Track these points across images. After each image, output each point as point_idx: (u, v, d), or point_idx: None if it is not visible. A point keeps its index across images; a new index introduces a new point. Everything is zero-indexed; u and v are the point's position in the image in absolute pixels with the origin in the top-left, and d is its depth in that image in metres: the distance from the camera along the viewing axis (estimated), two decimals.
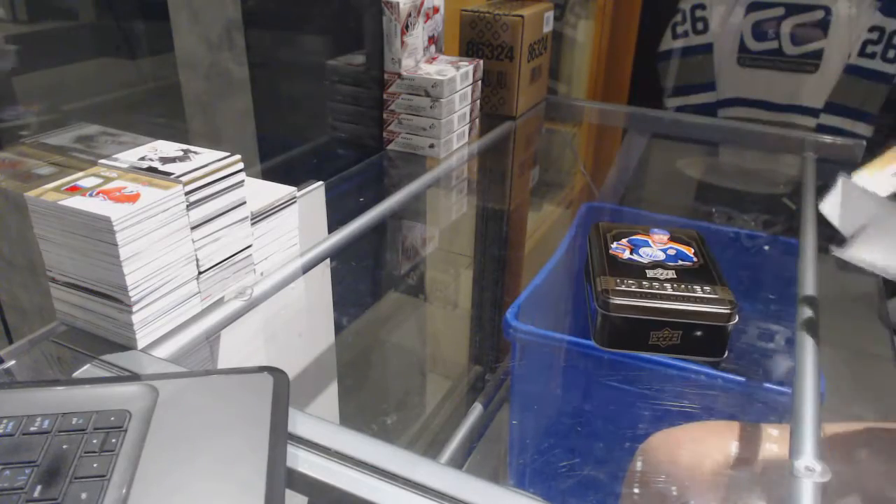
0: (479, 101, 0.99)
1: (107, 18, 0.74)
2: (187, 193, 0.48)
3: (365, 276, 0.92)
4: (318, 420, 0.42)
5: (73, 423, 0.38)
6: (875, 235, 0.50)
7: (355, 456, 0.39)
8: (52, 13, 0.69)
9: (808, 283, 0.63)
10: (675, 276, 0.61)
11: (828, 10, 1.69)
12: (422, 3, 0.89)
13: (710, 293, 0.59)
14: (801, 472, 0.41)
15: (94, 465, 0.35)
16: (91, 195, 0.46)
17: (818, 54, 1.73)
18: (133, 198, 0.46)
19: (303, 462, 0.39)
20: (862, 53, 1.68)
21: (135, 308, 0.47)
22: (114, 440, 0.37)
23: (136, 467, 0.35)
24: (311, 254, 0.64)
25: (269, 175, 0.62)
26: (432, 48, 0.95)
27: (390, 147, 0.93)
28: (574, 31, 1.85)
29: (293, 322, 0.67)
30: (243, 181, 0.53)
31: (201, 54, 0.80)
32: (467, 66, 0.92)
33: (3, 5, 0.64)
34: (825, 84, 1.74)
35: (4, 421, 0.38)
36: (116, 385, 0.42)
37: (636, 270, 0.62)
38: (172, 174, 0.49)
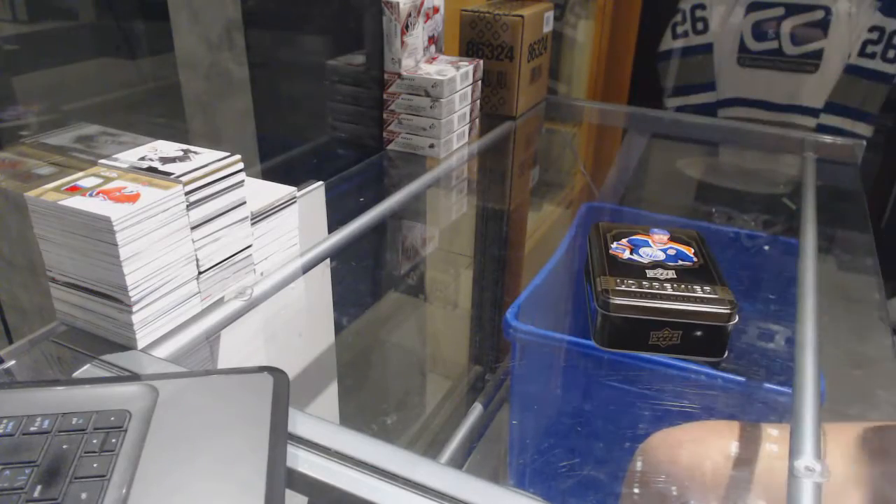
0: (479, 101, 0.99)
1: (107, 18, 0.74)
2: (187, 193, 0.48)
3: (365, 276, 0.92)
4: (318, 420, 0.42)
5: (73, 423, 0.38)
6: None
7: (355, 456, 0.39)
8: (52, 13, 0.69)
9: (808, 283, 0.63)
10: (675, 276, 0.61)
11: (828, 10, 1.69)
12: (422, 3, 0.89)
13: (710, 293, 0.59)
14: (801, 472, 0.41)
15: (94, 465, 0.35)
16: (91, 195, 0.46)
17: (818, 54, 1.73)
18: (133, 198, 0.46)
19: (303, 462, 0.39)
20: (862, 53, 1.68)
21: (135, 308, 0.47)
22: (114, 440, 0.37)
23: (136, 467, 0.35)
24: (311, 254, 0.64)
25: (269, 175, 0.62)
26: (432, 48, 0.95)
27: (390, 147, 0.93)
28: (574, 31, 1.85)
29: (293, 322, 0.67)
30: (243, 181, 0.53)
31: (201, 54, 0.80)
32: (467, 66, 0.92)
33: (3, 5, 0.64)
34: (825, 84, 1.74)
35: (4, 421, 0.38)
36: (116, 385, 0.42)
37: (636, 270, 0.62)
38: (172, 174, 0.49)
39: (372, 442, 0.40)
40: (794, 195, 0.95)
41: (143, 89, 0.79)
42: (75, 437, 0.37)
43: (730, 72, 1.83)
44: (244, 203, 0.54)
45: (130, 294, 0.46)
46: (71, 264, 0.47)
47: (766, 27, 1.76)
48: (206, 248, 0.51)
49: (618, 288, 0.59)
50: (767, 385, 0.64)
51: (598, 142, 1.43)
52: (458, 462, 0.88)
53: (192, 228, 0.50)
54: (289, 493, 0.37)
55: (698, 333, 0.58)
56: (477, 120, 1.00)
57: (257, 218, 0.57)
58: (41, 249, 0.48)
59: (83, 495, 0.34)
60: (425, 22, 0.91)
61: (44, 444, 0.36)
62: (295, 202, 0.61)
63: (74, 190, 0.46)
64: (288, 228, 0.61)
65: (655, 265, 0.63)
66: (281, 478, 0.36)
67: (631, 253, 0.65)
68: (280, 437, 0.38)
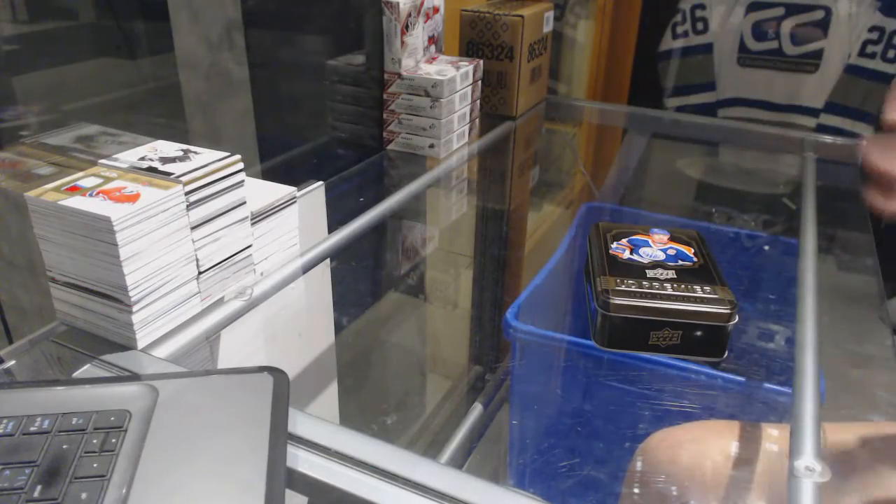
0: (479, 101, 0.99)
1: (107, 18, 0.74)
2: (187, 193, 0.48)
3: (365, 276, 0.92)
4: (318, 420, 0.42)
5: (73, 423, 0.38)
6: None
7: (355, 456, 0.39)
8: (52, 13, 0.69)
9: (808, 283, 0.63)
10: (675, 276, 0.61)
11: (828, 10, 1.69)
12: (422, 3, 0.89)
13: (710, 293, 0.59)
14: (801, 472, 0.41)
15: (94, 465, 0.35)
16: (91, 195, 0.46)
17: (818, 54, 1.73)
18: (133, 198, 0.46)
19: (303, 462, 0.39)
20: (862, 53, 1.68)
21: (135, 308, 0.47)
22: (114, 440, 0.37)
23: (136, 467, 0.35)
24: (311, 254, 0.64)
25: (270, 175, 0.62)
26: (432, 48, 0.95)
27: (390, 147, 0.93)
28: (574, 31, 1.85)
29: (293, 322, 0.67)
30: (243, 181, 0.53)
31: (201, 54, 0.80)
32: (467, 66, 0.92)
33: (3, 5, 0.64)
34: (825, 84, 1.74)
35: (4, 421, 0.38)
36: (116, 385, 0.42)
37: (636, 270, 0.62)
38: (172, 174, 0.49)
39: (372, 442, 0.40)
40: (794, 195, 0.95)
41: (143, 89, 0.79)
42: (75, 437, 0.37)
43: (730, 72, 1.83)
44: (244, 203, 0.54)
45: (130, 294, 0.46)
46: (71, 264, 0.47)
47: (766, 27, 1.76)
48: (206, 248, 0.51)
49: (618, 288, 0.59)
50: (767, 385, 0.64)
51: (598, 142, 1.43)
52: (458, 462, 0.88)
53: (192, 228, 0.50)
54: (289, 493, 0.37)
55: (698, 333, 0.58)
56: (477, 120, 1.00)
57: (257, 218, 0.57)
58: (41, 249, 0.48)
59: (83, 495, 0.34)
60: (425, 22, 0.91)
61: (44, 444, 0.36)
62: (295, 202, 0.61)
63: (74, 190, 0.46)
64: (288, 228, 0.61)
65: (655, 265, 0.63)
66: (281, 478, 0.36)
67: (631, 253, 0.66)
68: (280, 437, 0.38)
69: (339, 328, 0.77)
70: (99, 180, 0.48)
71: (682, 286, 0.60)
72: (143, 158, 0.51)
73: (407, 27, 0.87)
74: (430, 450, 0.97)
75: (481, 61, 0.97)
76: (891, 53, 1.65)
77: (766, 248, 0.90)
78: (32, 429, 0.37)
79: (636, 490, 0.60)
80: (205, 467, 0.36)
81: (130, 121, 0.75)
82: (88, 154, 0.61)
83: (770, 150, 1.17)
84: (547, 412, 0.80)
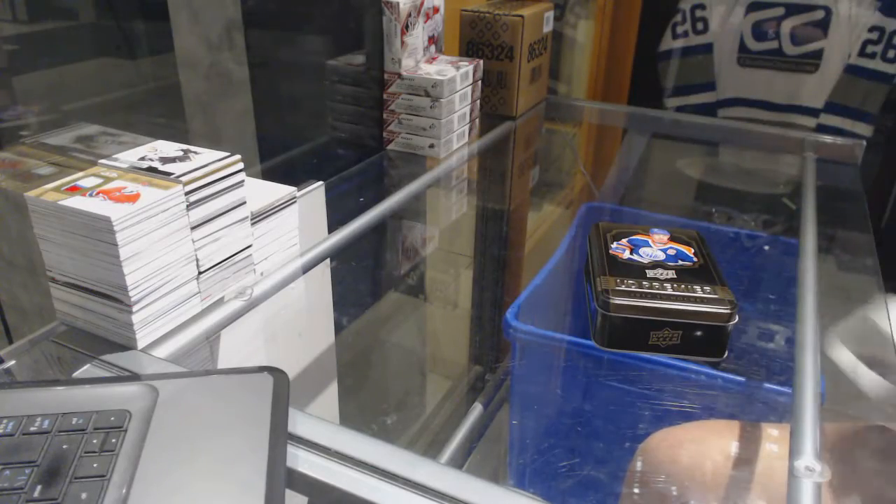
0: (479, 101, 0.99)
1: (107, 18, 0.74)
2: (187, 193, 0.48)
3: (365, 276, 0.92)
4: (318, 420, 0.42)
5: (73, 423, 0.38)
6: None
7: (355, 456, 0.39)
8: (52, 13, 0.69)
9: (808, 283, 0.63)
10: (675, 276, 0.61)
11: (828, 10, 1.69)
12: (422, 3, 0.89)
13: (710, 293, 0.59)
14: (801, 472, 0.41)
15: (94, 465, 0.35)
16: (91, 195, 0.46)
17: (818, 54, 1.73)
18: (133, 198, 0.46)
19: (303, 462, 0.39)
20: (862, 53, 1.68)
21: (135, 308, 0.47)
22: (114, 440, 0.37)
23: (136, 467, 0.35)
24: (311, 254, 0.64)
25: (270, 175, 0.62)
26: (432, 48, 0.95)
27: (390, 147, 0.93)
28: (574, 31, 1.85)
29: (293, 322, 0.67)
30: (243, 181, 0.53)
31: (201, 54, 0.80)
32: (467, 66, 0.92)
33: (3, 5, 0.64)
34: (825, 84, 1.74)
35: (4, 421, 0.38)
36: (116, 385, 0.42)
37: (636, 270, 0.62)
38: (172, 174, 0.49)
39: (372, 442, 0.40)
40: (794, 195, 0.95)
41: (143, 89, 0.79)
42: (75, 437, 0.37)
43: (730, 72, 1.83)
44: (244, 203, 0.54)
45: (130, 294, 0.46)
46: (71, 264, 0.47)
47: (766, 27, 1.76)
48: (206, 248, 0.51)
49: (618, 288, 0.59)
50: (767, 385, 0.64)
51: (598, 142, 1.43)
52: (458, 462, 0.88)
53: (192, 228, 0.50)
54: (289, 493, 0.37)
55: (698, 333, 0.58)
56: (477, 120, 1.00)
57: (257, 218, 0.57)
58: (41, 249, 0.48)
59: (83, 495, 0.34)
60: (425, 22, 0.91)
61: (44, 444, 0.36)
62: (295, 202, 0.61)
63: (74, 190, 0.46)
64: (288, 228, 0.61)
65: (655, 265, 0.63)
66: (281, 478, 0.36)
67: (631, 253, 0.65)
68: (280, 437, 0.38)
69: (339, 328, 0.77)
70: (99, 180, 0.48)
71: (682, 286, 0.60)
72: (143, 158, 0.51)
73: (407, 27, 0.87)
74: (430, 450, 0.97)
75: (481, 61, 0.97)
76: (891, 53, 1.65)
77: (766, 248, 0.90)
78: (32, 429, 0.37)
79: (636, 490, 0.60)
80: (205, 467, 0.36)
81: (130, 121, 0.75)
82: (88, 154, 0.61)
83: (770, 150, 1.17)
84: (547, 412, 0.80)
